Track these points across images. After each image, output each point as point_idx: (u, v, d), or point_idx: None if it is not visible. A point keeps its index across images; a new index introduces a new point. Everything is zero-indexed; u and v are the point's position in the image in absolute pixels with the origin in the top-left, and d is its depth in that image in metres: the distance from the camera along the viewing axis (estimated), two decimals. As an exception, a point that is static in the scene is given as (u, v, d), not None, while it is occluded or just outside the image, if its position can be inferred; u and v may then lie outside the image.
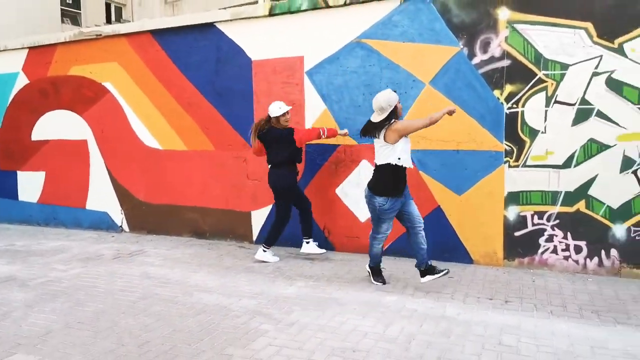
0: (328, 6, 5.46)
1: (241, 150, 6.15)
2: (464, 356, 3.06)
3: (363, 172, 5.47)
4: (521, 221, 4.95)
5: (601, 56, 4.52)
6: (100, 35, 6.99)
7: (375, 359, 3.04)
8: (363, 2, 5.31)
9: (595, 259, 4.73)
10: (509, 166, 4.94)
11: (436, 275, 4.33)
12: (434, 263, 4.42)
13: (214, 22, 6.16)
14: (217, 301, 4.08)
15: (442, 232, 5.19)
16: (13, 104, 7.80)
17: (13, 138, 7.84)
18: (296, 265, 5.20)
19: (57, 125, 7.48)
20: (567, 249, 4.83)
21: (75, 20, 20.17)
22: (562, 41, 4.63)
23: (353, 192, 5.55)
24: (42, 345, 3.26)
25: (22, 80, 7.68)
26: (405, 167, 4.25)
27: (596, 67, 4.55)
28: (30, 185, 7.75)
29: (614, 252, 4.66)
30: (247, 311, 3.86)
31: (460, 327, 3.49)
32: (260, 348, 3.19)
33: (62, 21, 19.56)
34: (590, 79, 4.58)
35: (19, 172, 7.84)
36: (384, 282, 4.50)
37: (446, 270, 4.35)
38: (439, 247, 5.15)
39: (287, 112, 5.15)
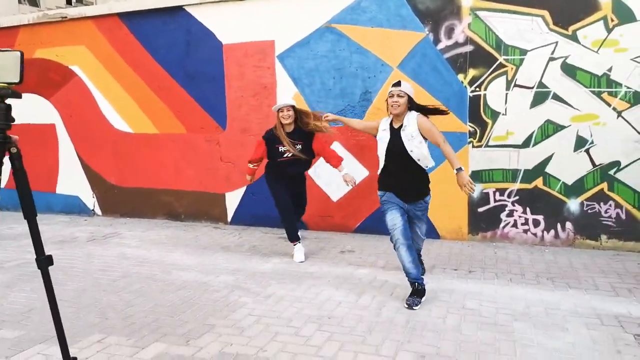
0: (299, -9, 5.57)
1: (213, 133, 6.23)
2: (430, 319, 3.32)
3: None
4: (484, 198, 5.26)
5: (557, 42, 4.82)
6: (66, 17, 6.87)
7: (349, 323, 3.26)
8: (333, -12, 5.44)
9: (552, 232, 5.09)
10: (473, 146, 5.22)
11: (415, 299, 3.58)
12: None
13: (183, 5, 6.16)
14: (196, 278, 4.21)
15: (410, 209, 5.44)
16: (-25, 88, 7.59)
17: (-24, 123, 7.64)
18: (271, 244, 5.37)
19: (23, 109, 7.31)
20: (526, 222, 5.17)
21: (33, 1, 19.43)
22: (521, 28, 4.90)
23: (325, 173, 5.73)
24: (26, 322, 3.34)
25: (-16, 63, 7.47)
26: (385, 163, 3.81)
27: (552, 53, 4.85)
28: (-4, 170, 7.60)
29: (569, 225, 5.03)
30: (226, 286, 4.01)
31: (428, 294, 3.75)
32: (241, 318, 3.37)
33: (20, 1, 18.80)
34: (547, 64, 4.88)
35: (-17, 158, 7.67)
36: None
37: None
38: (407, 224, 5.41)
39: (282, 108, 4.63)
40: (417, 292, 3.60)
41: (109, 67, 6.72)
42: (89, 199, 7.12)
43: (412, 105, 3.71)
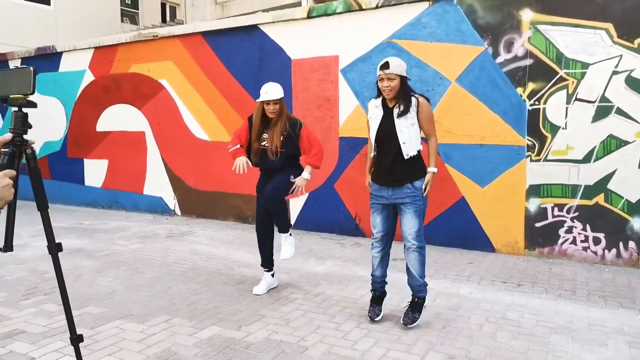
0: (361, 9, 5.88)
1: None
2: (467, 325, 3.44)
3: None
4: (542, 213, 5.21)
5: (621, 56, 4.71)
6: (157, 36, 7.71)
7: (387, 324, 3.47)
8: (394, 5, 5.69)
9: (614, 251, 4.94)
10: (531, 160, 5.20)
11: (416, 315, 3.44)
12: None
13: (258, 24, 6.72)
14: (254, 274, 4.62)
15: (465, 221, 5.51)
16: (81, 99, 8.70)
17: (80, 129, 8.74)
18: (327, 248, 5.68)
19: (118, 118, 8.29)
20: (586, 240, 5.05)
21: (133, 19, 21.44)
22: (583, 41, 4.84)
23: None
24: (108, 301, 3.91)
25: (88, 77, 8.55)
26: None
27: (616, 66, 4.74)
28: (95, 171, 8.63)
29: (632, 244, 4.85)
30: (281, 283, 4.38)
31: (470, 303, 3.86)
32: (289, 311, 3.70)
33: (122, 20, 20.85)
34: (610, 78, 4.78)
35: (85, 160, 8.74)
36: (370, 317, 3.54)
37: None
38: (462, 236, 5.49)
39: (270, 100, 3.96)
40: (377, 300, 3.59)
41: (191, 81, 7.44)
42: (171, 200, 7.87)
43: (404, 85, 3.32)
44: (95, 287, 4.25)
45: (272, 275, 4.24)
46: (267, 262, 4.20)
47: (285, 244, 4.07)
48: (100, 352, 3.00)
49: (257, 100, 4.05)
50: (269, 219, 4.09)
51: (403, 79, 3.32)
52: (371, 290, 3.65)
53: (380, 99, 3.44)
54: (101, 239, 6.16)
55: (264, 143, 4.05)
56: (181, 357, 2.94)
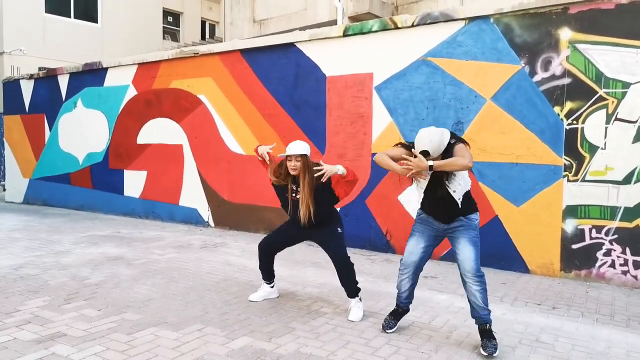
0: (397, 27, 5.95)
1: (313, 158, 6.74)
2: (500, 347, 3.38)
3: (424, 181, 5.83)
4: (579, 234, 5.08)
5: (664, 75, 4.60)
6: (197, 53, 7.98)
7: (417, 341, 3.46)
8: (429, 24, 5.74)
9: (656, 276, 4.77)
10: (568, 180, 5.10)
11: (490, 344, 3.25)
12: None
13: (294, 42, 6.88)
14: (285, 287, 4.68)
15: (499, 241, 5.43)
16: (123, 112, 9.06)
17: (122, 141, 9.09)
18: (358, 264, 5.67)
19: (158, 131, 8.59)
20: (625, 264, 4.89)
21: (174, 36, 22.21)
22: (624, 60, 4.75)
23: (414, 199, 5.93)
24: (144, 309, 4.03)
25: (131, 92, 8.91)
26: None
27: (658, 86, 4.63)
28: (134, 182, 8.94)
29: (675, 269, 4.68)
30: (311, 297, 4.42)
31: (503, 325, 3.80)
32: (319, 325, 3.73)
33: (164, 37, 21.63)
34: (652, 97, 4.67)
35: (125, 171, 9.06)
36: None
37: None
38: (496, 256, 5.41)
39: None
40: (396, 314, 3.64)
41: (229, 96, 7.65)
42: (205, 212, 8.05)
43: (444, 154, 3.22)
44: (132, 295, 4.40)
45: (272, 286, 4.34)
46: (267, 276, 4.29)
47: (355, 307, 3.93)
48: (136, 358, 3.10)
49: (279, 155, 3.99)
50: (275, 251, 4.25)
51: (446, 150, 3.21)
52: (396, 306, 3.67)
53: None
54: (138, 248, 6.36)
55: (295, 195, 3.91)
56: (213, 366, 3.01)
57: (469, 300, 3.37)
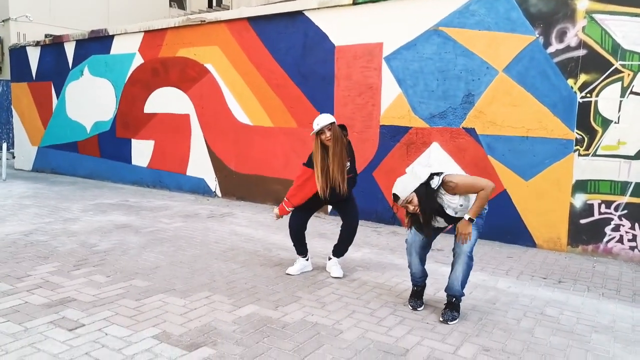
0: (409, -4, 5.80)
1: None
2: (504, 319, 3.41)
3: (434, 154, 5.80)
4: (587, 209, 5.05)
5: (683, 47, 4.47)
6: (204, 21, 7.85)
7: (422, 313, 3.48)
8: (442, -8, 5.58)
9: (664, 252, 4.74)
10: (579, 154, 5.03)
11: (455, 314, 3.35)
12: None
13: (303, 10, 6.73)
14: (292, 257, 4.70)
15: (506, 215, 5.40)
16: (130, 81, 8.99)
17: (129, 110, 9.05)
18: (365, 236, 5.70)
19: (165, 100, 8.53)
20: (634, 239, 4.87)
21: (181, 4, 21.86)
22: (643, 31, 4.61)
23: (422, 173, 5.89)
24: (152, 276, 4.08)
25: (137, 60, 8.82)
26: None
27: (677, 58, 4.50)
28: (141, 152, 8.94)
29: (684, 246, 4.65)
30: (317, 267, 4.44)
31: (508, 298, 3.81)
32: (325, 295, 3.76)
33: (170, 5, 21.28)
34: (670, 70, 4.55)
35: (132, 140, 9.06)
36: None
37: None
38: (503, 230, 5.39)
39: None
40: (417, 294, 3.60)
41: (236, 66, 7.55)
42: (212, 182, 8.07)
43: (420, 197, 3.21)
44: (140, 262, 4.45)
45: (307, 259, 4.35)
46: (302, 250, 4.33)
47: (337, 265, 4.26)
48: (145, 323, 3.15)
49: (311, 134, 3.98)
50: (305, 221, 4.29)
51: (419, 190, 3.20)
52: (413, 286, 3.64)
53: None
54: (146, 217, 6.40)
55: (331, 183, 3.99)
56: (220, 332, 3.06)
57: (449, 277, 3.39)
